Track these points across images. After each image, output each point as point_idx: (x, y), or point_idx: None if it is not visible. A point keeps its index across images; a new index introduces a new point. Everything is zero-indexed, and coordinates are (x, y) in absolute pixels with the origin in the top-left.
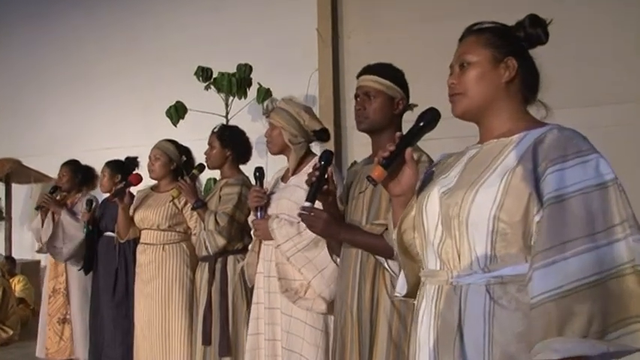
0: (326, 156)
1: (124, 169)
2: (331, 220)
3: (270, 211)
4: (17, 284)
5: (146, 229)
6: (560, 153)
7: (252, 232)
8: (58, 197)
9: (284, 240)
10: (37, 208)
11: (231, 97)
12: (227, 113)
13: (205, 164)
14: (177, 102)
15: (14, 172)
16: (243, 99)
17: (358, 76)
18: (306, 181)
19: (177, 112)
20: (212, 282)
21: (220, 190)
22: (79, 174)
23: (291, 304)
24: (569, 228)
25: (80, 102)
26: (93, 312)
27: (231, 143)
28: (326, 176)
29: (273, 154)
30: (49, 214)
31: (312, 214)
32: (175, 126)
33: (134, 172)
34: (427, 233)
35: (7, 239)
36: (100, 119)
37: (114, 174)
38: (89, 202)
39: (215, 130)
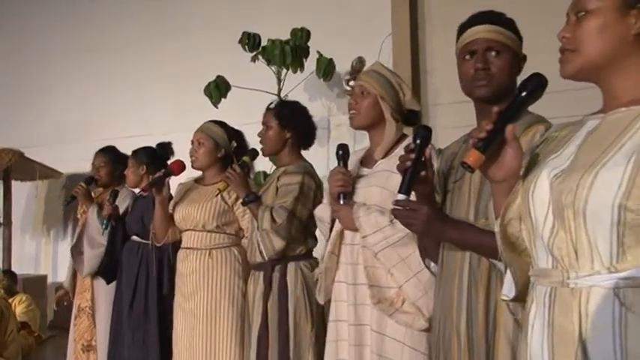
0: (423, 133)
1: (152, 159)
2: (434, 216)
3: (357, 200)
4: (18, 305)
5: (189, 230)
6: None
7: (317, 232)
8: (93, 193)
9: (372, 231)
10: (67, 204)
11: (284, 70)
12: (279, 90)
13: (259, 150)
14: (218, 77)
15: (15, 165)
16: (299, 72)
17: (464, 28)
18: (398, 167)
19: (218, 90)
20: (268, 295)
21: (277, 180)
22: (119, 165)
23: (385, 319)
24: None
25: (95, 80)
26: (113, 337)
27: (292, 123)
28: (423, 159)
29: (358, 127)
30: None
31: (409, 208)
32: (216, 107)
33: (176, 160)
34: (535, 225)
35: (7, 249)
36: (121, 101)
37: (138, 165)
38: (113, 193)
39: (271, 107)
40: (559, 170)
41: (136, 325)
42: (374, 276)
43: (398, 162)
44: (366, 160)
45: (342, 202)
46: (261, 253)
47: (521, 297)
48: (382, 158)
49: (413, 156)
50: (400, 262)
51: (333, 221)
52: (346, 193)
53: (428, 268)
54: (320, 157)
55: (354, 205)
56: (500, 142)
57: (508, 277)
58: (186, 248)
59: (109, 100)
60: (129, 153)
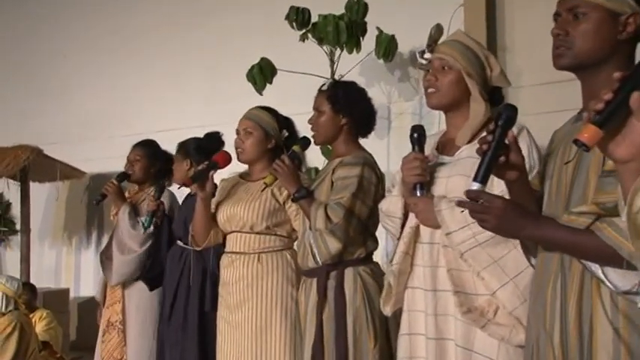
0: (507, 113)
1: (199, 152)
2: (510, 210)
3: (436, 192)
4: (38, 322)
5: (234, 232)
6: None
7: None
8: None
9: (458, 227)
10: (96, 204)
11: (338, 51)
12: (333, 73)
13: (311, 138)
14: (263, 59)
15: (33, 164)
16: (354, 53)
17: None
18: (477, 150)
19: (262, 74)
20: (323, 306)
21: (332, 173)
22: (157, 162)
23: (472, 332)
24: None
25: (120, 67)
26: (158, 354)
27: (348, 106)
28: (506, 142)
29: (437, 107)
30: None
31: (482, 201)
32: (260, 93)
33: (221, 151)
34: None
35: (25, 259)
36: (150, 90)
37: (182, 159)
38: (159, 188)
39: (324, 89)
40: None
41: (174, 340)
42: (459, 281)
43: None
44: (445, 147)
45: (418, 193)
46: (314, 257)
47: None
48: (466, 144)
49: (491, 138)
50: (492, 265)
51: (404, 216)
52: (423, 183)
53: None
54: (379, 151)
55: (434, 198)
56: (625, 114)
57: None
58: (232, 253)
59: (137, 89)
60: (178, 143)
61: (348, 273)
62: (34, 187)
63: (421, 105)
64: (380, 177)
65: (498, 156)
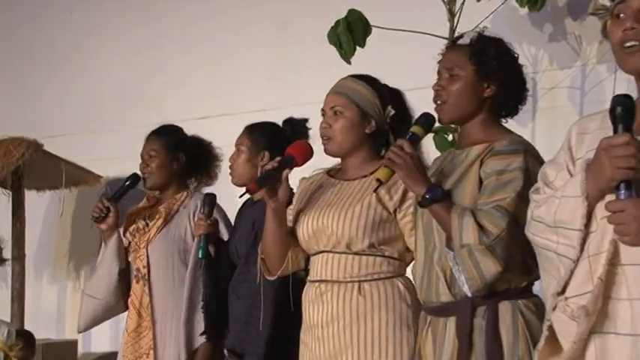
0: None
1: (275, 144)
2: None
3: None
4: None
5: (324, 252)
6: None
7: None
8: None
9: None
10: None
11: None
12: (452, 31)
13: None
14: (351, 13)
15: (30, 165)
16: (484, 0)
17: None
18: None
19: (350, 34)
20: (467, 357)
21: (481, 164)
22: (179, 154)
23: None
24: None
25: (149, 32)
26: None
27: (501, 71)
28: None
29: None
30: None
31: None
32: (348, 62)
33: (297, 142)
34: None
35: (18, 298)
36: (188, 63)
37: (257, 150)
38: (209, 200)
39: (465, 42)
40: None
41: None
42: None
43: None
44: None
45: (623, 195)
46: (450, 287)
47: None
48: None
49: None
50: None
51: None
52: (631, 180)
53: None
54: None
55: None
56: None
57: None
58: (320, 282)
59: (171, 61)
60: (246, 126)
61: (505, 309)
62: (31, 197)
63: (584, 75)
64: None
65: None
